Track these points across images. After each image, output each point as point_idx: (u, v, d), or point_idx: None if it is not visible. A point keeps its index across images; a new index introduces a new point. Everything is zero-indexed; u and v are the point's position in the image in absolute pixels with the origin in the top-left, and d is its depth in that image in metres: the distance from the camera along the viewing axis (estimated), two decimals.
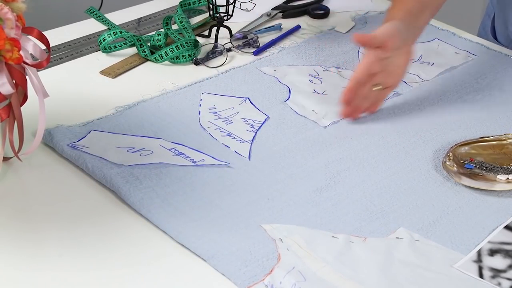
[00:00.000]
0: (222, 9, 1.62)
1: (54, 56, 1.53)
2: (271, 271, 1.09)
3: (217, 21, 1.60)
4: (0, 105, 1.16)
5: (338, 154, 1.32)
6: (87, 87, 1.46)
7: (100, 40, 1.55)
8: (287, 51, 1.59)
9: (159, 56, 1.52)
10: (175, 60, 1.53)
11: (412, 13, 1.40)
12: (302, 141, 1.35)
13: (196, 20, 1.68)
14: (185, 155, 1.29)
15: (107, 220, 1.17)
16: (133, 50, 1.56)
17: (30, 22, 1.19)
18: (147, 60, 1.54)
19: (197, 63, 1.54)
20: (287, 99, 1.45)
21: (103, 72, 1.50)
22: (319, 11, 1.73)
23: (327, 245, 1.13)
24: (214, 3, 1.58)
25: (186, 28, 1.60)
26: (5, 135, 1.20)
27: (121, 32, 1.55)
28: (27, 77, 1.18)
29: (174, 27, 1.62)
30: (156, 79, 1.48)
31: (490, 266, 1.12)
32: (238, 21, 1.65)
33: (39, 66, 1.19)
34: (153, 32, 1.61)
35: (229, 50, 1.57)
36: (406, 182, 1.27)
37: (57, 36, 1.57)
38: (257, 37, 1.60)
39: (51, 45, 1.32)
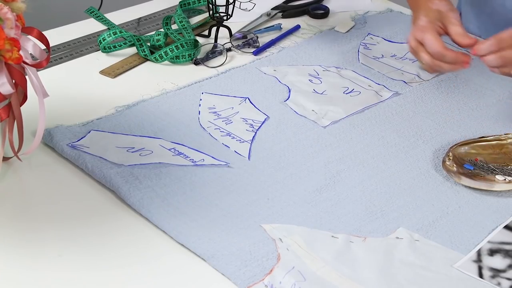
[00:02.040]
0: (222, 9, 1.61)
1: (54, 56, 1.53)
2: (271, 271, 1.09)
3: (217, 21, 1.60)
4: (0, 105, 1.16)
5: (337, 154, 1.32)
6: (87, 87, 1.46)
7: (100, 40, 1.55)
8: (287, 51, 1.58)
9: (159, 56, 1.52)
10: (175, 60, 1.53)
11: None
12: (302, 141, 1.34)
13: (196, 20, 1.68)
14: (185, 155, 1.29)
15: (107, 220, 1.17)
16: (133, 50, 1.56)
17: (30, 22, 1.19)
18: (147, 60, 1.54)
19: (196, 63, 1.54)
20: (287, 99, 1.45)
21: (103, 72, 1.50)
22: (319, 11, 1.73)
23: (327, 245, 1.13)
24: (214, 3, 1.58)
25: (186, 28, 1.60)
26: (5, 135, 1.20)
27: (120, 32, 1.55)
28: (26, 77, 1.17)
29: (174, 27, 1.62)
30: (156, 79, 1.48)
31: (490, 266, 1.12)
32: (238, 21, 1.65)
33: (39, 66, 1.19)
34: (153, 32, 1.61)
35: (229, 50, 1.57)
36: (406, 182, 1.27)
37: (57, 36, 1.57)
38: (257, 37, 1.60)
39: (51, 45, 1.32)
